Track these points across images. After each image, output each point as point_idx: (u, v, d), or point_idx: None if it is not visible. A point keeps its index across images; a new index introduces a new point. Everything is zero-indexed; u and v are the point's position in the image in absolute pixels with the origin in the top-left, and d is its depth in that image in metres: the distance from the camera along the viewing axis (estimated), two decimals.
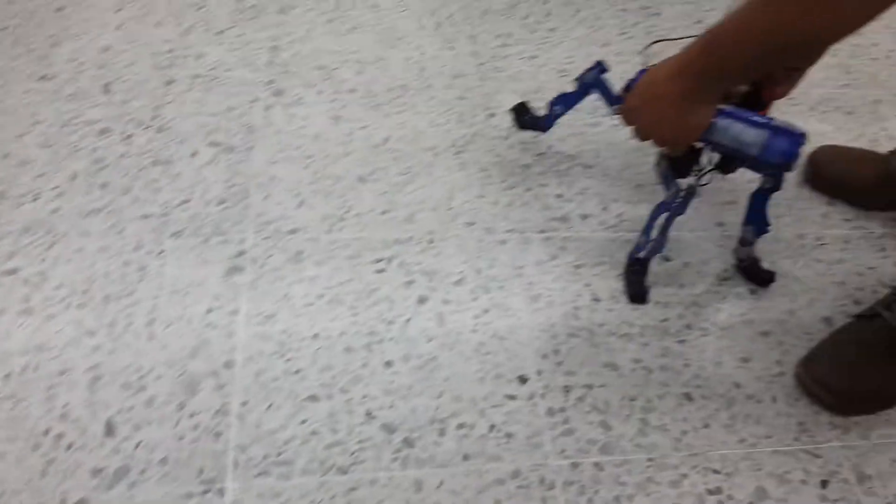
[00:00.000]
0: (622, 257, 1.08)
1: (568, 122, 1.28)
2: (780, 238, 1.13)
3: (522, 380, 0.93)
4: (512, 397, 0.92)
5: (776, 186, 0.96)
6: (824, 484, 0.88)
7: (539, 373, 0.94)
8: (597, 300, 1.03)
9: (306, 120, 1.25)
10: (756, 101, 0.93)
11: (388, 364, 0.94)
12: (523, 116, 1.23)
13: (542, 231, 1.12)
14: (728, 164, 0.97)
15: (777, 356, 0.99)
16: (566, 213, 1.15)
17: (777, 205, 1.16)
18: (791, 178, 1.17)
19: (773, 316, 1.03)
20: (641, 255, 1.02)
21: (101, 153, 1.14)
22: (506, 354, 0.96)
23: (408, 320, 0.98)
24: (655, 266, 1.07)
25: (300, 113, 1.26)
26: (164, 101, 1.23)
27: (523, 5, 1.56)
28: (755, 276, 1.06)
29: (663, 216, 1.00)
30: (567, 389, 0.93)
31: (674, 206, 0.99)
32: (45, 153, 1.12)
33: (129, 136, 1.17)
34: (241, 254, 1.04)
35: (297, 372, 0.92)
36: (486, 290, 1.03)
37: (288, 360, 0.93)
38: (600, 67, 1.11)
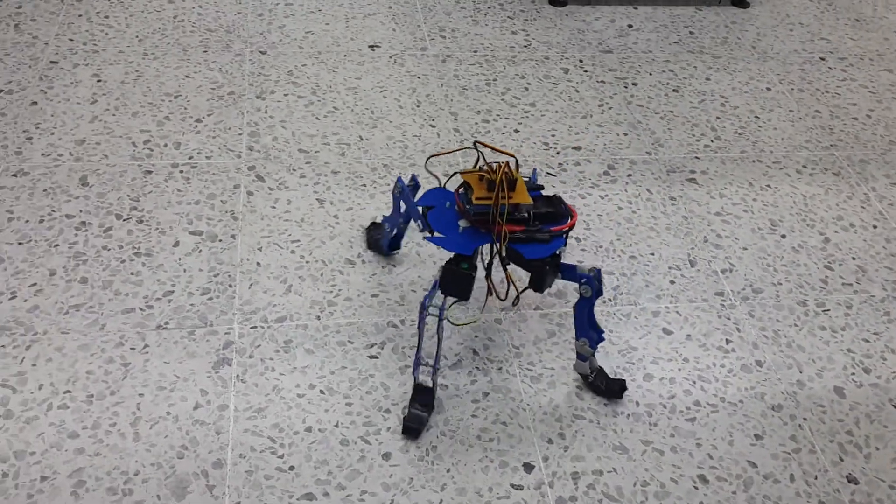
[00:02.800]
0: (622, 333, 1.10)
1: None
2: (780, 305, 1.16)
3: (528, 468, 0.93)
4: (518, 487, 0.91)
5: (599, 289, 0.94)
6: None
7: (545, 459, 0.94)
8: None
9: (290, 204, 1.27)
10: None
11: (387, 456, 0.94)
12: (374, 236, 1.20)
13: (538, 308, 1.14)
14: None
15: (791, 431, 1.00)
16: (561, 289, 1.17)
17: (775, 271, 1.20)
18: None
19: (782, 389, 1.05)
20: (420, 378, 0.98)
21: (80, 248, 1.15)
22: (509, 441, 0.96)
23: (405, 408, 0.98)
24: (656, 337, 1.08)
25: (284, 197, 1.28)
26: (144, 192, 1.25)
27: (501, 81, 1.62)
28: (606, 387, 1.01)
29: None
30: (576, 476, 0.93)
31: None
32: (22, 250, 1.13)
33: (108, 229, 1.18)
34: (228, 345, 1.04)
35: (290, 469, 0.91)
36: (485, 373, 1.04)
37: (280, 456, 0.93)
38: (414, 182, 1.08)
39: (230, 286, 1.12)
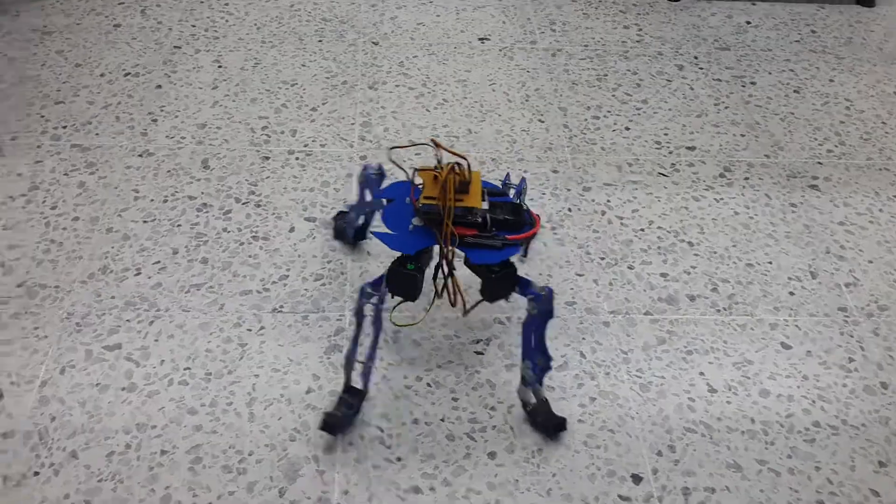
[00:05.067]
0: (737, 344, 1.05)
1: (668, 195, 1.28)
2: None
3: (637, 479, 0.90)
4: (626, 499, 0.89)
5: (548, 310, 0.88)
6: None
7: (655, 472, 0.91)
8: (713, 390, 1.00)
9: None
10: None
11: (492, 455, 0.92)
12: (340, 224, 1.16)
13: (648, 313, 1.10)
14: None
15: None
16: (673, 294, 1.13)
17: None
18: None
19: None
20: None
21: (201, 228, 1.18)
22: (617, 449, 0.93)
23: (510, 407, 0.97)
24: (774, 351, 1.03)
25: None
26: (262, 177, 1.27)
27: (612, 76, 1.57)
28: (543, 423, 0.93)
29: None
30: (687, 492, 0.89)
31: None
32: (147, 228, 1.17)
33: (228, 212, 1.21)
34: (339, 332, 1.05)
35: (398, 460, 0.91)
36: (592, 377, 1.01)
37: (388, 447, 0.93)
38: (380, 171, 1.03)
39: (342, 273, 1.13)
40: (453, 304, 0.92)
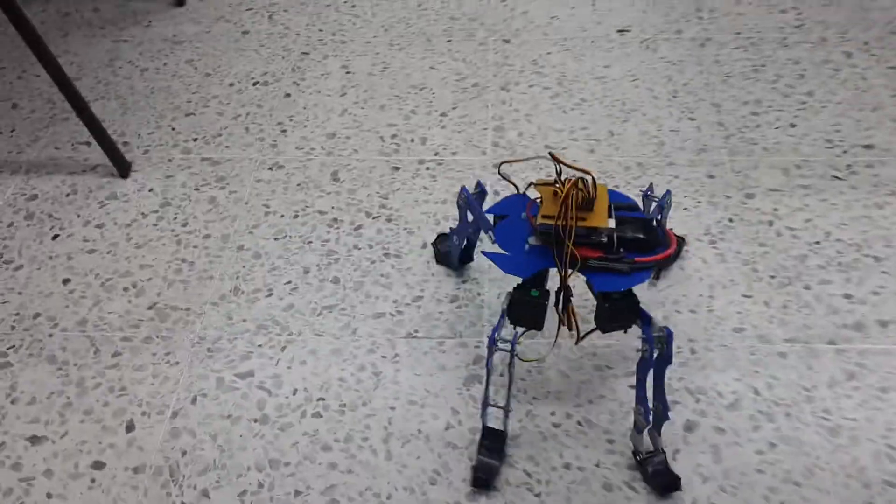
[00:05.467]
0: None
1: (846, 202, 1.12)
2: None
3: None
4: None
5: (665, 356, 0.75)
6: None
7: None
8: None
9: None
10: None
11: None
12: (441, 249, 1.06)
13: (832, 342, 0.96)
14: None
15: None
16: (860, 320, 0.98)
17: None
18: None
19: None
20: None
21: (332, 245, 1.12)
22: None
23: (676, 451, 0.85)
24: None
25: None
26: (392, 189, 1.20)
27: (770, 67, 1.41)
28: (653, 478, 0.82)
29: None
30: None
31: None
32: (278, 246, 1.12)
33: (359, 227, 1.14)
34: (478, 360, 0.96)
35: None
36: (770, 418, 0.88)
37: (538, 494, 0.83)
38: (480, 189, 0.93)
39: (479, 294, 1.04)
40: (570, 329, 0.81)
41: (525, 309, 0.79)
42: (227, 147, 1.29)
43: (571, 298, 0.78)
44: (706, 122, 1.30)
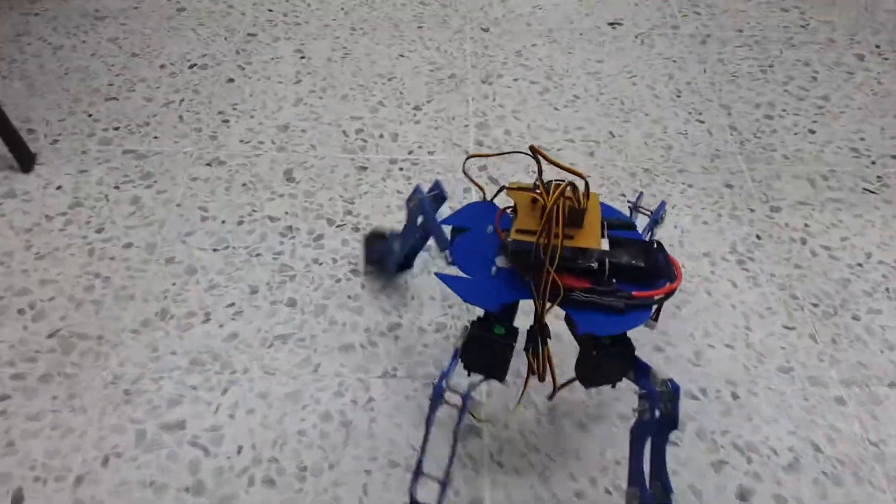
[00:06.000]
0: None
1: (884, 219, 0.97)
2: None
3: None
4: None
5: (670, 418, 0.58)
6: None
7: None
8: None
9: None
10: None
11: None
12: (375, 249, 0.88)
13: (894, 384, 0.80)
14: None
15: None
16: None
17: None
18: None
19: None
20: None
21: (286, 259, 0.91)
22: None
23: None
24: None
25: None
26: (359, 192, 1.01)
27: (779, 68, 1.27)
28: None
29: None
30: None
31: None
32: (218, 258, 0.91)
33: (319, 237, 0.94)
34: (476, 407, 0.77)
35: None
36: (837, 481, 0.71)
37: None
38: (437, 190, 0.73)
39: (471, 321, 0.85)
40: (541, 379, 0.62)
41: (485, 351, 0.60)
42: (155, 138, 1.08)
43: (549, 340, 0.60)
44: (717, 126, 1.15)
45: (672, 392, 0.57)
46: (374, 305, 0.87)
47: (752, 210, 1.01)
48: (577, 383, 0.62)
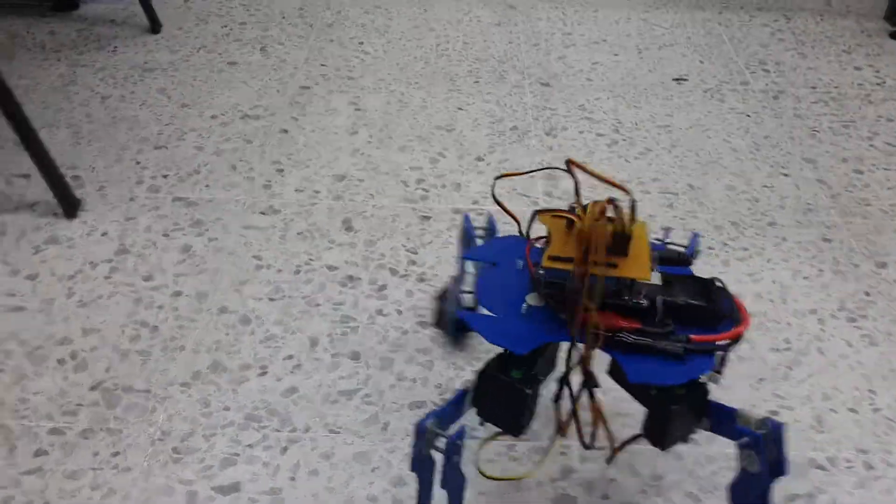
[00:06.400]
0: None
1: None
2: None
3: None
4: None
5: (777, 462, 0.50)
6: None
7: None
8: None
9: None
10: None
11: None
12: (442, 304, 0.69)
13: None
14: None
15: None
16: None
17: None
18: None
19: None
20: None
21: (348, 310, 0.84)
22: None
23: None
24: None
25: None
26: (422, 242, 0.94)
27: (861, 124, 1.21)
28: None
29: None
30: None
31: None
32: (274, 309, 0.84)
33: (382, 288, 0.87)
34: (567, 474, 0.68)
35: None
36: None
37: None
38: (490, 226, 0.68)
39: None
40: (587, 447, 0.54)
41: (498, 395, 0.51)
42: (206, 186, 1.03)
43: (594, 391, 0.52)
44: (803, 179, 1.08)
45: (773, 431, 0.49)
46: (446, 360, 0.79)
47: (856, 265, 0.93)
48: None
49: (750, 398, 0.76)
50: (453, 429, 0.51)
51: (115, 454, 0.68)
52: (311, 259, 0.91)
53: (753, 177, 1.09)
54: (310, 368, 0.77)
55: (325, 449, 0.70)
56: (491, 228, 0.67)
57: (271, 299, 0.85)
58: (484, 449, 0.67)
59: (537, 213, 0.54)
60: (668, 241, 0.64)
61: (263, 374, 0.77)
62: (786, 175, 1.09)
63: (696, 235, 0.63)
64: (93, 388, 0.74)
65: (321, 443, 0.70)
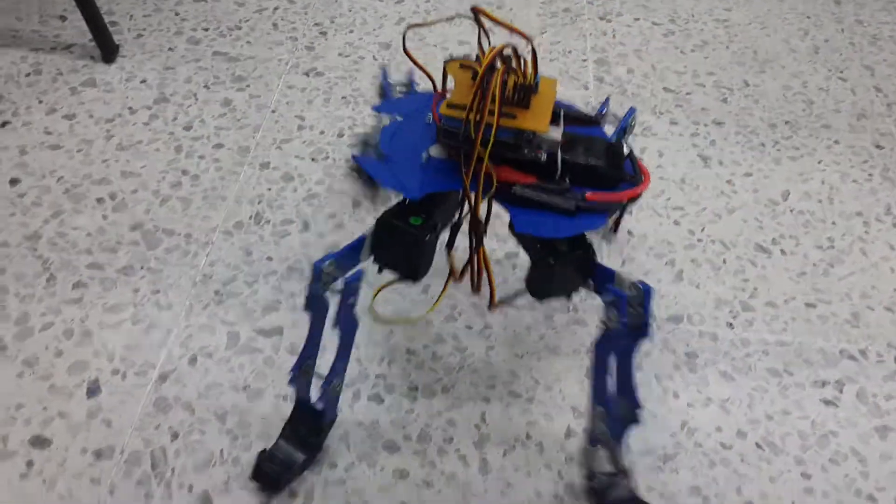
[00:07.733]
0: None
1: None
2: None
3: None
4: None
5: (639, 325, 0.51)
6: None
7: None
8: None
9: (663, 157, 0.92)
10: None
11: None
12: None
13: None
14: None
15: None
16: None
17: None
18: None
19: None
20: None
21: None
22: None
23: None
24: None
25: (653, 146, 0.93)
26: None
27: None
28: None
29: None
30: None
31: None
32: (317, 169, 0.85)
33: None
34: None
35: None
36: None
37: None
38: (409, 82, 0.68)
39: None
40: (476, 290, 0.55)
41: (395, 240, 0.51)
42: (248, 43, 1.02)
43: (484, 238, 0.52)
44: (860, 86, 1.07)
45: (643, 294, 0.50)
46: None
47: None
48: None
49: (789, 290, 0.77)
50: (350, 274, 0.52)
51: (156, 292, 0.71)
52: (354, 124, 0.92)
53: (810, 79, 1.07)
54: (352, 229, 0.79)
55: (365, 301, 0.72)
56: (410, 83, 0.66)
57: (314, 160, 0.86)
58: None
59: (446, 63, 0.53)
60: (603, 109, 0.61)
61: (305, 230, 0.78)
62: (843, 80, 1.08)
63: (632, 110, 0.61)
64: (133, 229, 0.76)
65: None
